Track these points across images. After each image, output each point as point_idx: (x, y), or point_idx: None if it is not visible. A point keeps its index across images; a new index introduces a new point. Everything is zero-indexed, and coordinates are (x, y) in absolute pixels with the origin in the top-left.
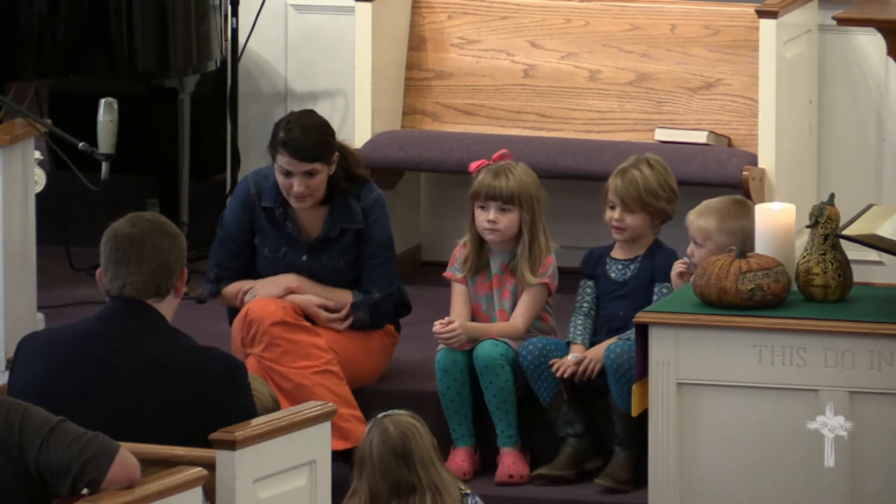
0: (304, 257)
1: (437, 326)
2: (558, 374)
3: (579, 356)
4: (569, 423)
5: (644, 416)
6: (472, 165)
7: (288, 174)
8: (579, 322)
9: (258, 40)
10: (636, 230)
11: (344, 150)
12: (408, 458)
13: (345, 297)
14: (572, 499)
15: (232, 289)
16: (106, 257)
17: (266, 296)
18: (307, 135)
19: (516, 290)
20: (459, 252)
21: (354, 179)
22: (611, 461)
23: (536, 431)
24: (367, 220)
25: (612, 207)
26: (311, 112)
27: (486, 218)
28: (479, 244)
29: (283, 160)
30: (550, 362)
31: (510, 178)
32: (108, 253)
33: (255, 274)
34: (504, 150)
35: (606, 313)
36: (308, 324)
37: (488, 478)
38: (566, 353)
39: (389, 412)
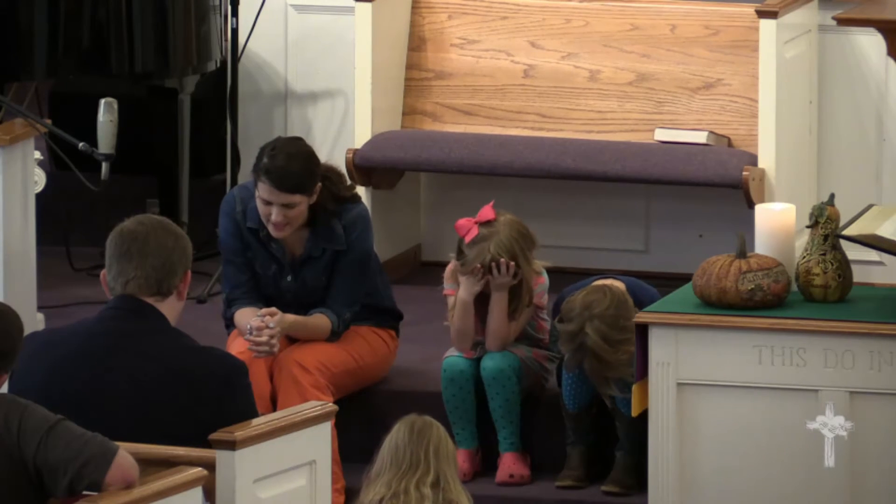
0: (290, 277)
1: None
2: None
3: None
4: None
5: (646, 418)
6: (461, 228)
7: (267, 203)
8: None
9: (258, 40)
10: None
11: (331, 174)
12: (423, 436)
13: (323, 322)
14: (572, 499)
15: (239, 324)
16: (110, 254)
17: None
18: (290, 164)
19: None
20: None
21: (341, 201)
22: (614, 467)
23: (537, 436)
24: (347, 237)
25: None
26: (299, 140)
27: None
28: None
29: (263, 189)
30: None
31: (501, 248)
32: (112, 249)
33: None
34: (488, 210)
35: None
36: None
37: (489, 479)
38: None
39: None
